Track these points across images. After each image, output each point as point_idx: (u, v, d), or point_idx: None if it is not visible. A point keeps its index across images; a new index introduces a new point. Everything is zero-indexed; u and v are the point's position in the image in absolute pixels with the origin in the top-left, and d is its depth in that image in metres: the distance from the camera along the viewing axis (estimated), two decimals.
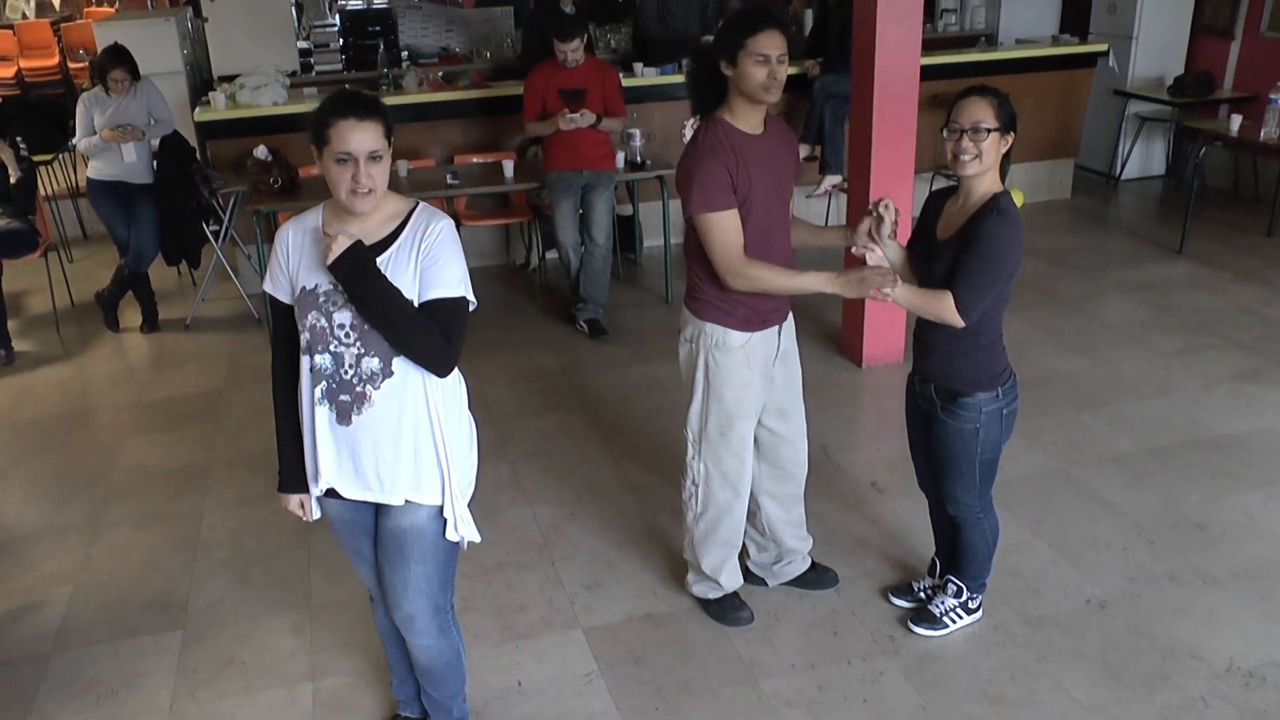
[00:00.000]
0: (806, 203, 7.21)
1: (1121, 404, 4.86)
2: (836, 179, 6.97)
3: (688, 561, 3.51)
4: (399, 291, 2.34)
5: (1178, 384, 5.05)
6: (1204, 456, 4.37)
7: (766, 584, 3.62)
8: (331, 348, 2.40)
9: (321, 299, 2.39)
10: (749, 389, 3.19)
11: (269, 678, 3.34)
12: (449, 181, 6.03)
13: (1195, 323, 5.75)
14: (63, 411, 5.32)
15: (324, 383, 2.43)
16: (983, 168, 2.86)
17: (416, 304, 2.37)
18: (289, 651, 3.46)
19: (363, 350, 2.39)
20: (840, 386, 5.20)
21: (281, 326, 2.53)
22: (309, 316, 2.41)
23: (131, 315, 6.40)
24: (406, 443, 2.46)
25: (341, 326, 2.39)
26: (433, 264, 2.38)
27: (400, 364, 2.40)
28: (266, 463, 3.81)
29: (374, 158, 2.30)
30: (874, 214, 3.02)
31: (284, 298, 2.48)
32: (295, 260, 2.44)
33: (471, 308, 2.46)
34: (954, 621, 3.37)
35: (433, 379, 2.45)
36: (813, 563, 3.64)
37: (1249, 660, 3.20)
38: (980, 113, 2.82)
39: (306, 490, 2.60)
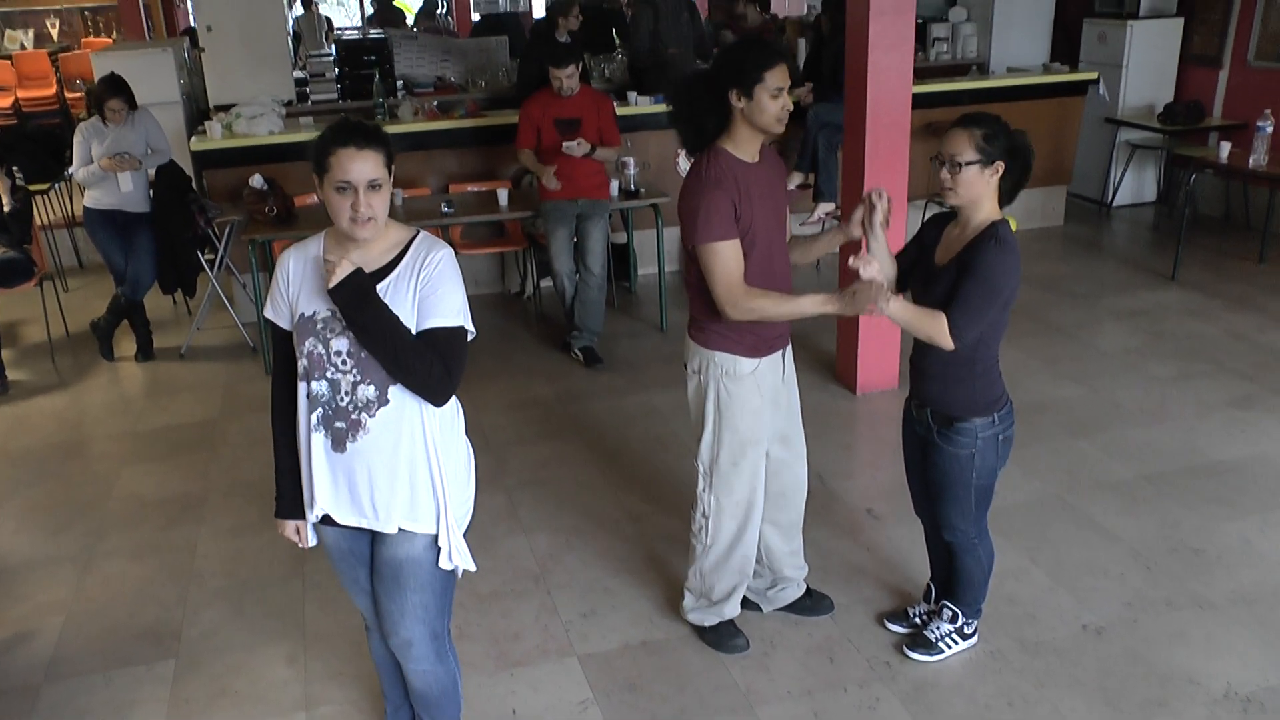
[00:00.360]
0: (800, 231, 7.24)
1: (1117, 431, 4.88)
2: (830, 207, 7.00)
3: (689, 589, 3.49)
4: (398, 319, 2.35)
5: (1173, 411, 5.07)
6: (1200, 483, 4.38)
7: (761, 609, 3.61)
8: (328, 374, 2.41)
9: (319, 326, 2.40)
10: (760, 416, 3.19)
11: (263, 707, 3.32)
12: (444, 210, 6.05)
13: (1189, 349, 5.78)
14: (57, 441, 5.31)
15: (320, 409, 2.43)
16: (960, 200, 2.86)
17: (415, 332, 2.38)
18: (283, 681, 3.44)
19: (359, 377, 2.40)
20: (835, 414, 5.21)
21: (281, 353, 2.54)
22: (307, 343, 2.41)
23: (126, 344, 6.40)
24: (402, 471, 2.46)
25: (339, 353, 2.39)
26: (432, 293, 2.38)
27: (397, 392, 2.41)
28: (262, 492, 3.81)
29: (373, 186, 2.31)
30: (867, 202, 3.02)
31: (284, 324, 2.49)
32: (295, 287, 2.46)
33: (470, 337, 2.47)
34: (950, 647, 3.36)
35: (429, 407, 2.45)
36: (808, 589, 3.63)
37: (1247, 686, 3.20)
38: (956, 146, 2.81)
39: (303, 517, 2.60)
